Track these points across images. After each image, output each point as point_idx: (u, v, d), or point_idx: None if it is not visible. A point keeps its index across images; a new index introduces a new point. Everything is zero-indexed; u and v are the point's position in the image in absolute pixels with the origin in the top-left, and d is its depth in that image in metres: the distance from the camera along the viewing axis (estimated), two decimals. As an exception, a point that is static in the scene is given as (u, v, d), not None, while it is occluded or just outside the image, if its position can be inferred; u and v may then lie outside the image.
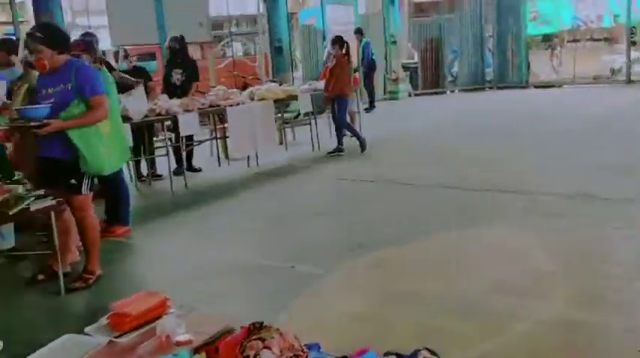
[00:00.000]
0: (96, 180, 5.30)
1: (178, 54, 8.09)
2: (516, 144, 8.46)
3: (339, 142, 8.53)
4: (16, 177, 4.50)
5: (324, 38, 13.69)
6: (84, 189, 4.14)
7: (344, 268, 4.27)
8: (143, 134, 7.25)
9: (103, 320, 3.48)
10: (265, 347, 2.74)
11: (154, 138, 7.86)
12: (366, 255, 4.48)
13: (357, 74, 11.14)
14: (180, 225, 5.66)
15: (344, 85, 8.48)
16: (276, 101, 8.25)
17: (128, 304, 3.52)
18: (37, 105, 4.01)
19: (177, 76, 8.00)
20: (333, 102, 8.55)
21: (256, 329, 2.87)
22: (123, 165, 4.56)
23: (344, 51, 8.52)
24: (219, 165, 8.09)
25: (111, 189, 5.35)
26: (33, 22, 9.91)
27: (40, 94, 4.11)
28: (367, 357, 2.68)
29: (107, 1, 12.22)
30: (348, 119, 10.01)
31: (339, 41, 8.57)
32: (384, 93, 15.69)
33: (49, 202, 3.84)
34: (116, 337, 3.31)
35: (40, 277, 4.26)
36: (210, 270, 4.44)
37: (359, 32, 13.25)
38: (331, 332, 3.26)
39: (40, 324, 3.62)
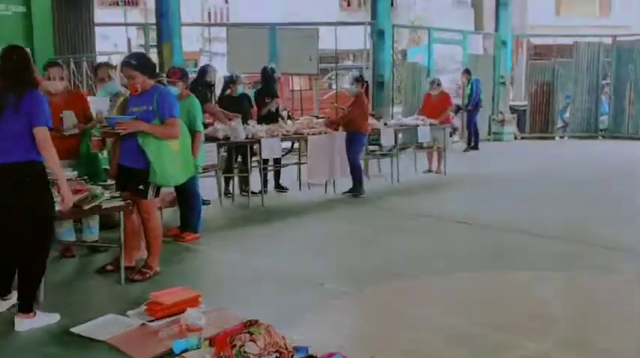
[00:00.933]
0: (173, 189, 6.10)
1: (272, 81, 8.80)
2: (612, 198, 8.26)
3: (356, 183, 8.33)
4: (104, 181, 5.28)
5: (428, 75, 14.01)
6: (150, 195, 4.80)
7: (370, 290, 4.63)
8: (234, 155, 7.99)
9: (143, 307, 4.11)
10: (251, 340, 3.21)
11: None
12: (400, 282, 4.82)
13: (451, 114, 11.33)
14: (243, 238, 6.24)
15: (361, 122, 8.37)
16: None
17: (164, 295, 4.14)
18: (122, 116, 4.79)
19: (271, 103, 8.70)
20: (349, 140, 8.27)
21: (250, 325, 3.35)
22: (187, 178, 5.18)
23: (363, 89, 8.55)
24: (300, 188, 8.68)
25: (184, 199, 6.05)
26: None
27: (127, 111, 4.89)
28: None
29: (228, 31, 13.40)
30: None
31: (359, 79, 8.58)
32: (489, 134, 15.68)
33: (119, 203, 4.55)
34: (149, 321, 3.92)
35: (109, 268, 4.95)
36: (251, 278, 4.95)
37: (467, 72, 13.48)
38: (332, 340, 3.63)
39: (96, 305, 4.27)
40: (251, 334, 3.19)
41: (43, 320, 3.88)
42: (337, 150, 8.28)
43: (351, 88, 8.53)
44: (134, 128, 4.65)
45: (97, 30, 13.64)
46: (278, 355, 3.18)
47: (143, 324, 3.85)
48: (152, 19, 12.60)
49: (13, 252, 3.87)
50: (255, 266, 5.28)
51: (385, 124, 9.67)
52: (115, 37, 16.71)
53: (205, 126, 7.27)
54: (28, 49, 4.23)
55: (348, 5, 21.99)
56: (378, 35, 13.01)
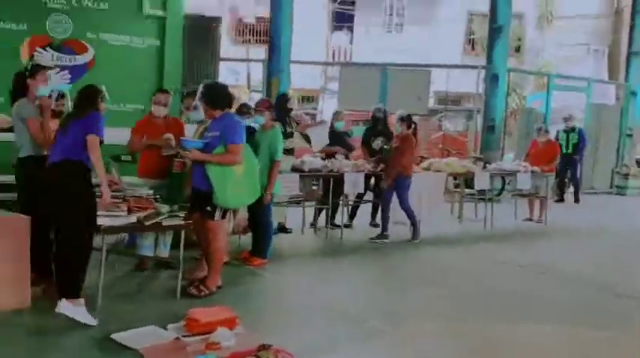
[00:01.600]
0: (246, 216, 6.33)
1: (380, 122, 8.91)
2: None
3: (384, 228, 7.85)
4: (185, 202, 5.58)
5: (544, 122, 13.48)
6: (217, 216, 5.03)
7: (409, 330, 4.53)
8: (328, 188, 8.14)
9: (182, 322, 4.28)
10: (256, 363, 3.24)
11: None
12: (441, 324, 4.68)
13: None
14: (308, 267, 6.36)
15: (408, 164, 7.76)
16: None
17: (203, 313, 4.29)
18: (193, 139, 5.10)
19: (377, 142, 8.80)
20: (396, 184, 7.75)
21: (261, 348, 3.39)
22: (252, 201, 5.37)
23: (411, 130, 7.84)
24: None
25: (256, 226, 6.24)
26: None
27: (205, 136, 5.21)
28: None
29: (341, 70, 13.73)
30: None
31: (407, 119, 7.84)
32: (610, 186, 14.74)
33: (179, 222, 4.81)
34: (183, 336, 4.07)
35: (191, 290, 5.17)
36: (300, 307, 5.01)
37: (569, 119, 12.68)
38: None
39: (144, 316, 4.43)
40: (258, 357, 3.24)
41: (81, 314, 4.15)
42: (426, 190, 8.18)
43: (397, 127, 7.92)
44: (192, 158, 4.95)
45: (228, 65, 14.51)
46: (282, 382, 3.19)
47: (177, 338, 4.00)
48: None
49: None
50: (306, 296, 5.33)
51: (485, 167, 9.41)
52: (244, 72, 17.73)
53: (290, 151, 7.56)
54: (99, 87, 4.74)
55: (472, 49, 21.69)
56: (491, 79, 12.73)
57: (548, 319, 4.96)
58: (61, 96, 6.09)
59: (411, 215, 7.82)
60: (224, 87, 5.36)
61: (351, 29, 22.85)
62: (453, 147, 13.37)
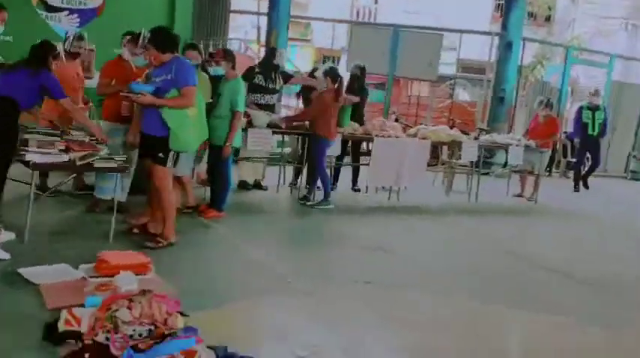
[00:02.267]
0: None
1: (357, 80, 8.68)
2: None
3: (309, 191, 7.42)
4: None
5: (559, 96, 13.05)
6: (168, 163, 4.96)
7: (326, 293, 4.46)
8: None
9: (94, 263, 4.28)
10: (128, 308, 3.22)
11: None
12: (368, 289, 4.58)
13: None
14: (264, 225, 6.30)
15: (320, 124, 7.11)
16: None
17: (113, 255, 4.27)
18: (142, 84, 5.03)
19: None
20: (310, 140, 7.33)
21: (141, 293, 3.36)
22: (200, 143, 5.41)
23: (335, 86, 7.14)
24: (366, 191, 8.57)
25: (213, 177, 6.19)
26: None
27: (149, 81, 5.09)
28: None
29: (352, 29, 13.43)
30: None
31: (330, 73, 7.21)
32: (625, 171, 14.25)
33: (112, 164, 4.81)
34: (90, 276, 4.07)
35: (135, 230, 5.23)
36: (228, 261, 5.02)
37: (596, 95, 11.80)
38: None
39: (68, 256, 4.42)
40: (130, 301, 3.21)
41: None
42: (409, 157, 8.00)
43: (320, 80, 7.36)
44: (145, 102, 4.85)
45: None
46: (152, 328, 3.15)
47: (83, 278, 4.00)
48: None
49: None
50: (246, 252, 5.28)
51: (476, 139, 9.14)
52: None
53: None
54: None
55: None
56: (505, 47, 12.29)
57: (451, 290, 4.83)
58: (79, 37, 6.09)
59: (318, 177, 7.30)
60: (170, 30, 5.19)
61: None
62: (461, 116, 13.03)
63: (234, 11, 13.60)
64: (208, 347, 3.05)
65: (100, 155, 4.80)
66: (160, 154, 4.93)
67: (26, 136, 4.54)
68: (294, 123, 7.54)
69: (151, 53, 4.97)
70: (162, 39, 4.98)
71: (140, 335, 3.10)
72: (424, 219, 7.58)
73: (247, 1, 14.97)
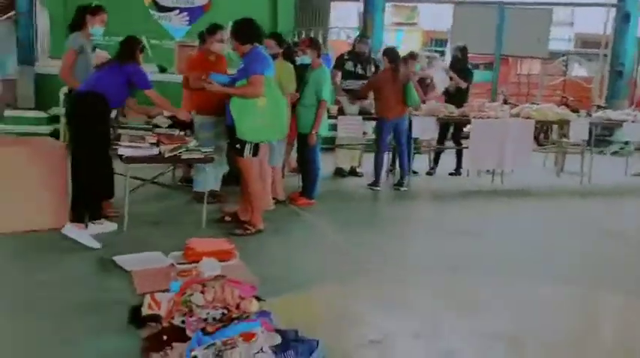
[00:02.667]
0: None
1: (459, 62, 8.43)
2: None
3: (401, 176, 7.28)
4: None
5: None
6: (245, 153, 4.99)
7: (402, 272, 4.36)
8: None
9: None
10: (201, 292, 3.34)
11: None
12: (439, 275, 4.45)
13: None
14: (354, 212, 6.26)
15: (383, 105, 7.00)
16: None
17: (200, 243, 4.44)
18: (220, 74, 5.17)
19: (451, 84, 8.36)
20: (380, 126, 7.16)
21: (214, 278, 3.47)
22: (278, 138, 5.37)
23: (393, 65, 6.94)
24: (467, 174, 8.31)
25: (301, 164, 6.26)
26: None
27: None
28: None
29: (455, 9, 13.03)
30: None
31: (387, 52, 7.14)
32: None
33: (198, 155, 4.99)
34: (178, 263, 4.25)
35: (227, 218, 5.38)
36: (315, 247, 5.05)
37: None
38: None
39: (161, 244, 4.64)
40: (204, 286, 3.31)
41: (85, 238, 4.49)
42: (510, 137, 7.66)
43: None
44: (211, 89, 4.98)
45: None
46: (225, 312, 3.23)
47: (172, 264, 4.19)
48: None
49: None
50: (335, 239, 5.28)
51: (589, 116, 8.57)
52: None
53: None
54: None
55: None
56: (622, 19, 11.42)
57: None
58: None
59: (378, 161, 7.17)
60: (253, 21, 5.19)
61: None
62: (575, 94, 12.27)
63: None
64: (277, 330, 3.09)
65: (188, 147, 5.00)
66: (237, 145, 4.98)
67: (119, 131, 4.81)
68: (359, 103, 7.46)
69: (235, 45, 5.09)
70: (243, 31, 5.04)
71: (214, 318, 3.20)
72: (526, 202, 7.24)
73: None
